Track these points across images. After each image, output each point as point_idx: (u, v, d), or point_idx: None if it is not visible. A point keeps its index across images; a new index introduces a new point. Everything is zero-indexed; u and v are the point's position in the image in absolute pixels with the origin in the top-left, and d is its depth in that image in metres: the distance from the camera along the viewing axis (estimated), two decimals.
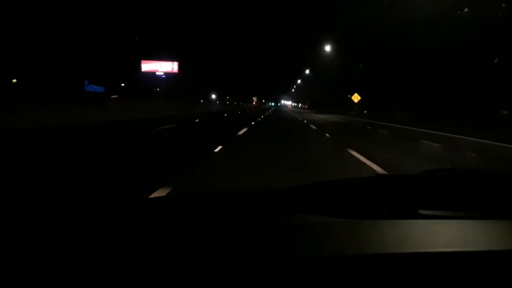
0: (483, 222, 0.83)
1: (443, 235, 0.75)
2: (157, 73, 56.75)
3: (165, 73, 56.96)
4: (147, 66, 56.45)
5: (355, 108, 37.76)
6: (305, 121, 25.41)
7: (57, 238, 0.75)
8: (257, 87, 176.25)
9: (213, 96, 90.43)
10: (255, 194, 1.16)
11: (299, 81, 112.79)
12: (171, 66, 56.70)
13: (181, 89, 60.86)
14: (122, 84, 55.58)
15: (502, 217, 0.84)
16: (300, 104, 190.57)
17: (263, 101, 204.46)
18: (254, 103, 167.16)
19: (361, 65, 49.07)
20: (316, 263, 0.63)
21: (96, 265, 0.62)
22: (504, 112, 19.50)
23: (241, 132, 13.42)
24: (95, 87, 46.45)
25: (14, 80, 32.78)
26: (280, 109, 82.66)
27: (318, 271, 0.61)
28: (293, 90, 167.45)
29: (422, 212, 0.86)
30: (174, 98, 45.09)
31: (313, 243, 0.70)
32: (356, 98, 35.22)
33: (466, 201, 0.96)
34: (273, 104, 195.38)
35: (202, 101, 65.00)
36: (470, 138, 13.91)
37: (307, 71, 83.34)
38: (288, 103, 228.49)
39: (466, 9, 22.73)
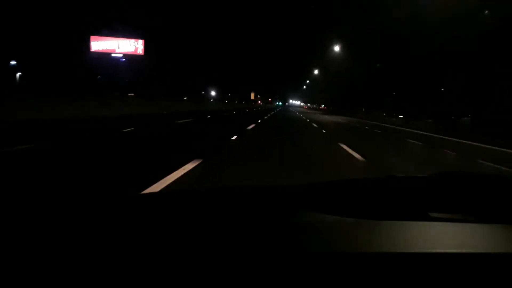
0: (489, 226, 0.85)
1: (451, 237, 0.78)
2: (113, 55, 39.07)
3: (126, 55, 39.24)
4: (99, 44, 38.77)
5: None
6: None
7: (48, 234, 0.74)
8: (263, 85, 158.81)
9: (213, 93, 76.27)
10: (258, 191, 1.14)
11: (316, 71, 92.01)
12: (133, 46, 38.99)
13: (145, 79, 42.59)
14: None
15: (507, 221, 0.86)
16: (309, 104, 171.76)
17: (270, 100, 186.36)
18: (259, 101, 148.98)
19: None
20: (321, 261, 0.63)
21: (89, 263, 0.60)
22: None
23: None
24: None
25: None
26: (288, 112, 54.21)
27: (324, 270, 0.61)
28: (304, 87, 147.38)
29: (431, 214, 0.88)
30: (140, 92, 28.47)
31: (319, 242, 0.72)
32: None
33: (474, 205, 0.96)
34: (280, 103, 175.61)
35: (186, 98, 48.13)
36: None
37: (336, 48, 54.91)
38: (297, 103, 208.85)
39: None
